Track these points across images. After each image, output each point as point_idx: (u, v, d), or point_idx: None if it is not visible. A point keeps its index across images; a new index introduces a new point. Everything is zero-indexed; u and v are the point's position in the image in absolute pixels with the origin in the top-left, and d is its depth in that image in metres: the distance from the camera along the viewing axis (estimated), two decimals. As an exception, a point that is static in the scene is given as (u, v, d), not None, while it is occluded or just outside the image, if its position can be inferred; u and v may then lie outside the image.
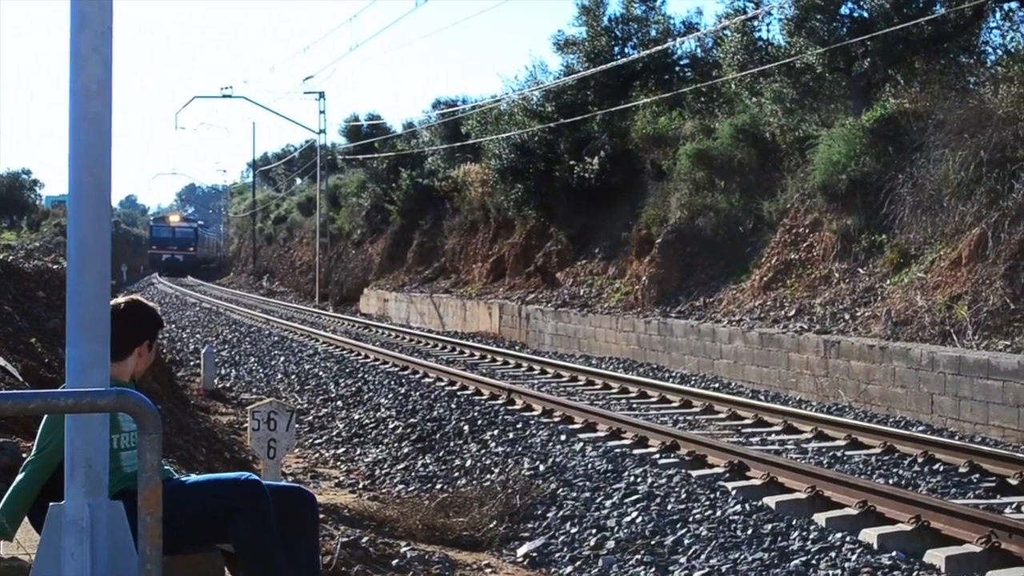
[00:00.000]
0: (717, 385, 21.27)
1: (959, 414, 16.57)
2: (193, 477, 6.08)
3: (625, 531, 9.91)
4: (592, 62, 35.64)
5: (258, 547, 5.55)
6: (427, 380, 20.87)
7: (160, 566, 4.15)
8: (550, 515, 10.66)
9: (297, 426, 12.23)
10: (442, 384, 20.13)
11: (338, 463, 14.27)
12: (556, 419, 15.86)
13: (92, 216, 4.77)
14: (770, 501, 10.61)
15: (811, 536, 9.41)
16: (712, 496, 10.83)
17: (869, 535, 9.36)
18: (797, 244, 24.84)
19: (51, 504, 4.71)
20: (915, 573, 8.48)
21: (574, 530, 10.13)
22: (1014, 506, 10.78)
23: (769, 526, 9.72)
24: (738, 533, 9.62)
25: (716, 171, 28.36)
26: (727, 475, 11.88)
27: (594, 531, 10.01)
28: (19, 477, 5.37)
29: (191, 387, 19.79)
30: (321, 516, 9.00)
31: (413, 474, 13.22)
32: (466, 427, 15.29)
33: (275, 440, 10.00)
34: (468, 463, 13.35)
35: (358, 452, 14.88)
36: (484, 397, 18.37)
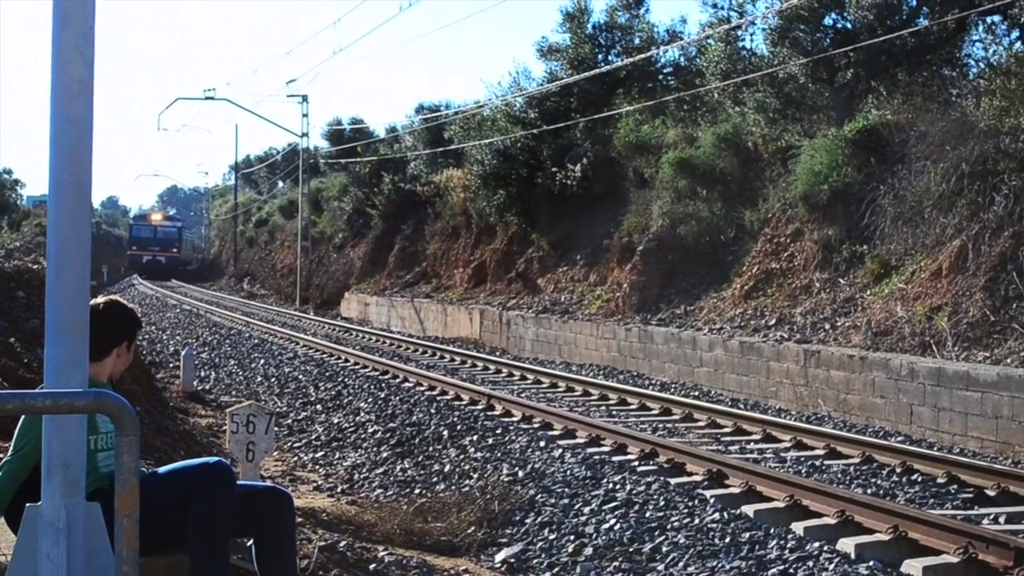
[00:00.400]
0: (697, 393, 21.28)
1: (938, 425, 16.61)
2: (164, 468, 6.05)
3: (603, 538, 9.90)
4: (576, 69, 35.70)
5: (205, 529, 5.51)
6: (407, 385, 20.85)
7: (137, 567, 4.14)
8: (528, 521, 10.65)
9: (276, 429, 12.20)
10: (422, 389, 20.11)
11: (317, 467, 14.24)
12: (535, 425, 15.85)
13: (72, 216, 4.76)
14: (748, 509, 10.60)
15: (789, 545, 9.42)
16: (691, 504, 10.82)
17: (847, 544, 9.37)
18: (778, 253, 24.90)
19: (28, 505, 4.70)
20: (892, 583, 8.50)
21: (552, 536, 10.12)
22: (992, 517, 10.80)
23: (747, 534, 9.72)
24: (716, 541, 9.62)
25: (698, 180, 28.40)
26: (706, 483, 11.88)
27: (572, 537, 9.99)
28: (-5, 478, 5.34)
29: (170, 389, 19.73)
30: (299, 520, 8.99)
31: (392, 479, 13.20)
32: (445, 432, 15.27)
33: (254, 443, 9.98)
34: (447, 468, 13.32)
35: (337, 456, 14.84)
36: (464, 402, 18.36)
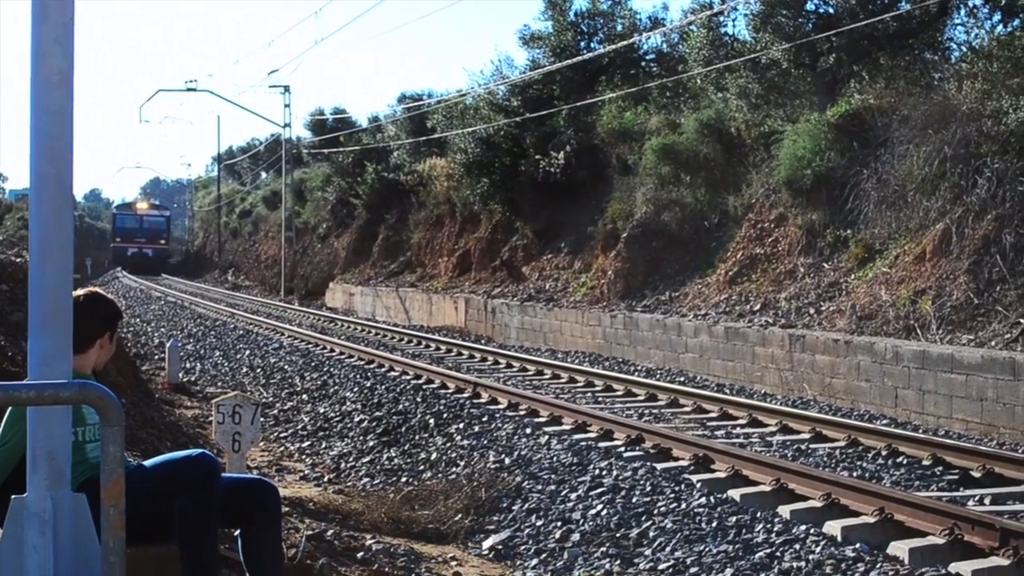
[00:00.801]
0: (683, 379, 21.32)
1: (923, 408, 16.67)
2: (151, 460, 6.05)
3: (590, 524, 9.91)
4: (558, 57, 35.67)
5: (191, 524, 5.52)
6: (393, 374, 20.84)
7: (123, 558, 4.14)
8: (515, 508, 10.66)
9: (262, 419, 12.20)
10: (408, 378, 20.10)
11: (303, 456, 14.24)
12: (522, 412, 15.85)
13: (54, 209, 4.75)
14: (735, 494, 10.63)
15: (776, 528, 9.43)
16: (677, 489, 10.84)
17: (833, 527, 9.39)
18: (762, 239, 24.93)
19: (13, 497, 4.69)
20: (879, 565, 8.51)
21: (539, 523, 10.13)
22: (977, 498, 10.84)
23: (734, 518, 9.74)
24: (703, 525, 9.64)
25: (682, 166, 28.42)
26: (692, 468, 11.90)
27: (559, 524, 10.01)
28: (-20, 471, 5.33)
29: (156, 381, 19.71)
30: (286, 509, 9.00)
31: (378, 467, 13.20)
32: (432, 420, 15.27)
33: (240, 433, 9.98)
34: (434, 456, 13.33)
35: (323, 445, 14.84)
36: (450, 390, 18.36)
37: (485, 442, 13.72)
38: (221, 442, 10.03)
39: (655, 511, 10.15)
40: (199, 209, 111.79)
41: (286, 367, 22.48)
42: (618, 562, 8.94)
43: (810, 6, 25.92)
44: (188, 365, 23.29)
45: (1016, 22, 23.26)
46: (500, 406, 16.56)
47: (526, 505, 10.70)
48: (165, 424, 13.55)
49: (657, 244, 28.15)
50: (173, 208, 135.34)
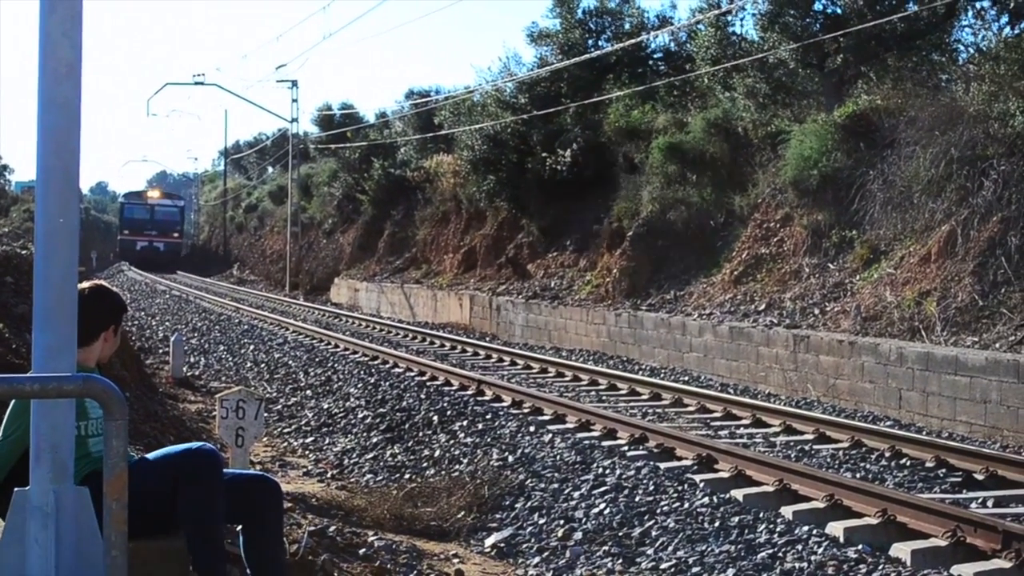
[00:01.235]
0: (686, 378, 21.30)
1: (927, 409, 16.65)
2: (154, 453, 6.06)
3: (593, 522, 9.91)
4: (566, 54, 35.66)
5: (196, 515, 5.53)
6: (397, 370, 20.84)
7: (125, 552, 4.14)
8: (518, 506, 10.66)
9: (266, 415, 12.20)
10: (412, 374, 20.10)
11: (307, 452, 14.24)
12: (525, 410, 15.84)
13: (60, 201, 4.75)
14: (738, 494, 10.63)
15: (778, 529, 9.43)
16: (680, 488, 10.84)
17: (836, 528, 9.39)
18: (768, 239, 24.92)
19: (16, 490, 4.69)
20: (881, 566, 8.51)
21: (542, 521, 10.13)
22: (980, 501, 10.84)
23: (736, 519, 9.74)
24: (705, 525, 9.64)
25: (688, 165, 28.40)
26: (695, 468, 11.90)
27: (562, 522, 10.01)
28: (-16, 463, 5.34)
29: (160, 375, 19.70)
30: (289, 505, 9.01)
31: (381, 464, 13.20)
32: (435, 417, 15.27)
33: (244, 428, 9.99)
34: (437, 453, 13.33)
35: (327, 441, 14.84)
36: (454, 388, 18.35)
37: (488, 440, 13.73)
38: (225, 437, 10.05)
39: (658, 510, 10.15)
40: (205, 203, 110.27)
41: (290, 362, 22.49)
42: (620, 561, 8.94)
43: (818, 6, 25.91)
44: (192, 359, 23.31)
45: (1023, 24, 23.23)
46: (504, 404, 16.55)
47: (529, 503, 10.70)
48: (168, 418, 13.56)
49: (663, 243, 28.13)
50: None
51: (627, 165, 31.59)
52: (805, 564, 8.55)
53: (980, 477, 11.78)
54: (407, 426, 15.07)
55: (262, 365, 22.37)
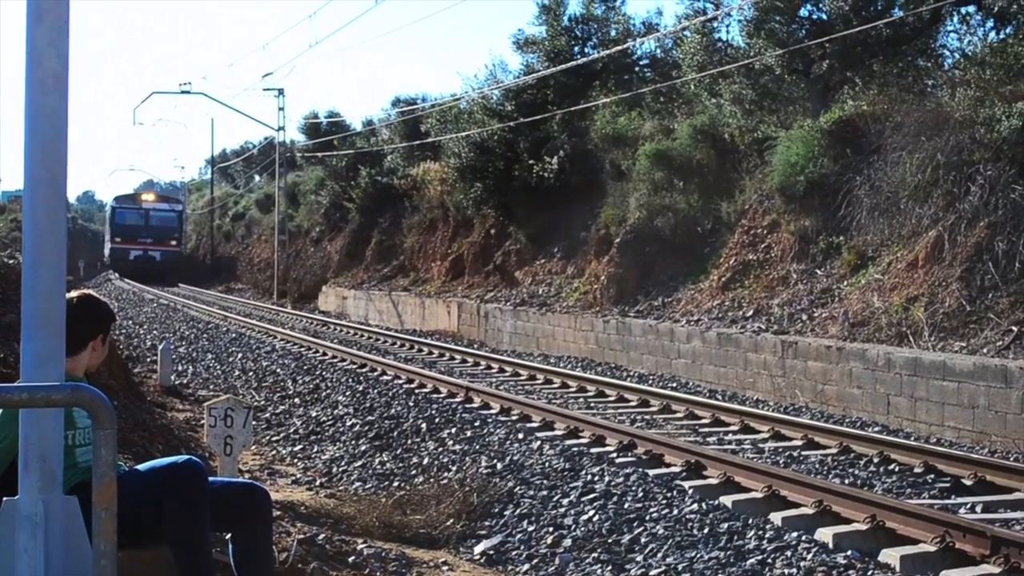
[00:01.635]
0: (675, 385, 21.32)
1: (915, 415, 16.68)
2: (142, 465, 6.06)
3: (582, 529, 9.92)
4: (552, 61, 35.68)
5: (183, 531, 5.53)
6: (385, 378, 20.83)
7: (115, 561, 4.13)
8: (507, 513, 10.66)
9: (254, 423, 12.20)
10: (400, 382, 20.10)
11: (295, 460, 14.23)
12: (514, 417, 15.86)
13: (47, 211, 4.75)
14: (727, 500, 10.64)
15: (767, 535, 9.44)
16: (669, 495, 10.85)
17: (825, 534, 9.40)
18: (755, 245, 24.94)
19: (4, 499, 4.68)
20: (870, 572, 8.53)
21: (531, 528, 10.14)
22: (968, 506, 10.86)
23: (725, 525, 9.75)
24: (695, 532, 9.65)
25: (675, 171, 28.43)
26: (684, 474, 11.91)
27: (551, 529, 10.01)
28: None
29: (148, 383, 19.65)
30: (278, 513, 8.99)
31: (370, 471, 13.19)
32: (424, 425, 15.27)
33: (232, 437, 9.97)
34: (425, 461, 13.33)
35: (315, 449, 14.83)
36: (442, 395, 18.36)
37: (477, 447, 13.73)
38: (213, 445, 10.03)
39: (647, 517, 10.16)
40: (192, 212, 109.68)
41: (278, 370, 22.47)
42: (609, 568, 8.94)
43: (803, 12, 25.97)
44: (180, 368, 23.27)
45: (1009, 29, 23.31)
46: (492, 411, 16.56)
47: (518, 510, 10.71)
48: (157, 427, 13.53)
49: (650, 250, 28.13)
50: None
51: (614, 172, 31.62)
52: (794, 570, 8.57)
53: (968, 482, 11.80)
54: (395, 434, 15.07)
55: (250, 373, 22.34)
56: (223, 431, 9.95)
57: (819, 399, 18.72)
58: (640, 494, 10.90)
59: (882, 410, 17.34)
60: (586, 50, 36.94)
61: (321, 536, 8.98)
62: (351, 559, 8.63)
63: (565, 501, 10.85)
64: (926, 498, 11.31)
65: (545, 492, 11.22)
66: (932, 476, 12.23)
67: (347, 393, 18.75)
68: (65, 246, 4.84)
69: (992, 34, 24.03)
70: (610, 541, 9.57)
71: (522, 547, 9.67)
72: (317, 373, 21.74)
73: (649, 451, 12.94)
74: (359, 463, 13.70)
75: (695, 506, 10.36)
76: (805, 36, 25.21)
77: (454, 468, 12.73)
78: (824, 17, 25.51)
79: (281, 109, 58.29)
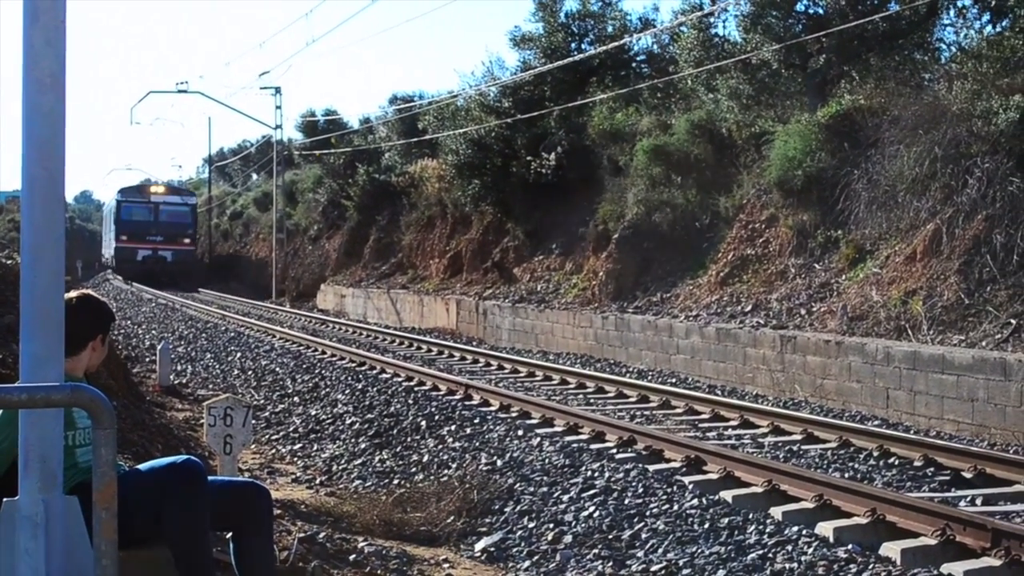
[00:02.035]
0: (674, 380, 21.32)
1: (914, 408, 16.68)
2: (142, 465, 6.05)
3: (582, 525, 9.91)
4: (549, 58, 35.68)
5: (183, 531, 5.52)
6: (384, 376, 20.81)
7: (116, 561, 4.13)
8: (508, 510, 10.65)
9: (254, 422, 12.17)
10: (399, 380, 20.08)
11: (295, 459, 14.22)
12: (513, 414, 15.85)
13: (45, 210, 4.75)
14: (727, 495, 10.63)
15: (768, 530, 9.43)
16: (669, 490, 10.84)
17: (825, 528, 9.39)
18: (753, 240, 24.94)
19: (5, 500, 4.68)
20: (871, 566, 8.52)
21: (532, 525, 10.13)
22: (968, 499, 10.85)
23: (726, 520, 9.74)
24: (695, 527, 9.64)
25: (673, 167, 28.41)
26: (684, 469, 11.90)
27: (551, 525, 10.00)
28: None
29: (147, 383, 19.64)
30: (278, 512, 8.99)
31: (370, 469, 13.18)
32: (423, 422, 15.26)
33: (231, 436, 9.97)
34: (425, 458, 13.32)
35: (315, 448, 14.82)
36: (441, 392, 18.34)
37: (477, 444, 13.72)
38: (212, 445, 10.02)
39: (647, 513, 10.15)
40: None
41: (277, 369, 22.45)
42: (610, 563, 8.93)
43: (800, 7, 25.97)
44: (179, 367, 23.25)
45: (1005, 22, 23.29)
46: (492, 408, 16.55)
47: (518, 507, 10.70)
48: (156, 427, 13.52)
49: (648, 245, 28.13)
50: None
51: (612, 168, 31.61)
52: (795, 564, 8.56)
53: (968, 475, 11.80)
54: (395, 431, 15.06)
55: (249, 372, 22.32)
56: (223, 430, 9.95)
57: (818, 393, 18.73)
58: (640, 490, 10.89)
59: (881, 404, 17.35)
60: (583, 46, 36.95)
61: (322, 534, 8.98)
62: (352, 557, 8.63)
63: (565, 497, 10.84)
64: (926, 491, 11.31)
65: (545, 489, 11.22)
66: (932, 469, 12.23)
67: (346, 391, 18.74)
68: (63, 245, 4.84)
69: (988, 27, 24.02)
70: (611, 537, 9.56)
71: (523, 544, 9.67)
72: (316, 371, 21.72)
73: (649, 447, 12.93)
74: (359, 461, 13.69)
75: (695, 501, 10.35)
76: (802, 31, 25.21)
77: (454, 465, 12.72)
78: (821, 11, 25.52)
79: (278, 107, 58.27)
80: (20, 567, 4.54)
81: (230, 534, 5.96)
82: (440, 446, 13.87)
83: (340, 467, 13.48)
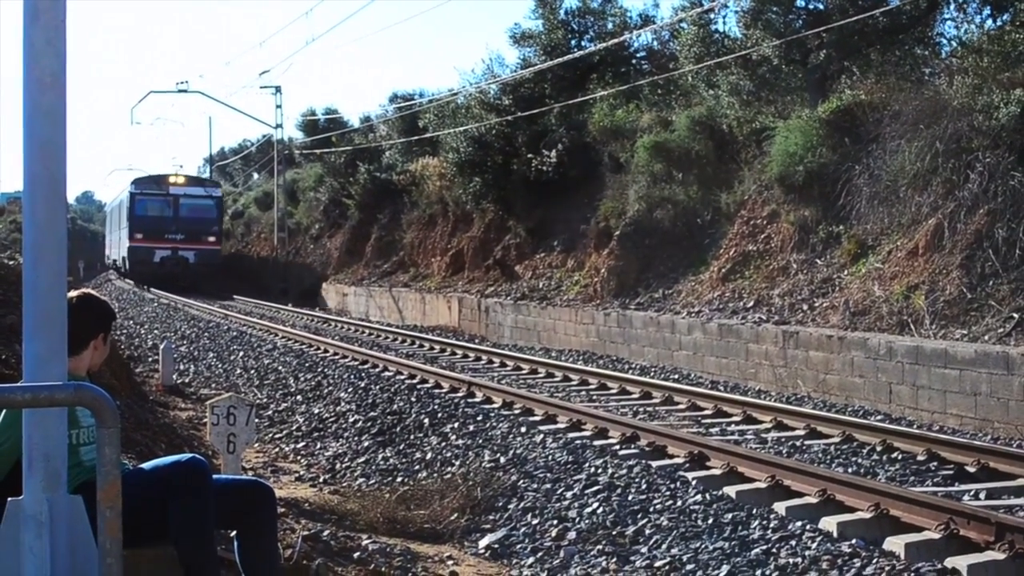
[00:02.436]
0: (677, 376, 21.32)
1: (917, 403, 16.68)
2: (147, 464, 6.05)
3: (586, 522, 9.91)
4: (549, 55, 35.68)
5: (188, 529, 5.52)
6: (387, 374, 20.81)
7: (120, 560, 4.13)
8: (511, 507, 10.65)
9: (257, 421, 12.17)
10: (402, 378, 20.08)
11: (298, 457, 14.22)
12: (516, 411, 15.85)
13: (47, 211, 4.74)
14: (730, 491, 10.63)
15: (771, 525, 9.43)
16: (672, 486, 10.84)
17: (829, 523, 9.40)
18: (755, 235, 24.93)
19: (9, 499, 4.68)
20: (875, 560, 8.51)
21: (535, 521, 10.13)
22: (972, 493, 10.86)
23: (729, 515, 9.74)
24: (699, 523, 9.64)
25: (674, 163, 28.40)
26: (687, 465, 11.91)
27: (555, 522, 10.00)
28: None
29: (150, 383, 19.65)
30: (282, 510, 8.99)
31: (374, 467, 13.18)
32: (426, 420, 15.26)
33: (235, 435, 9.96)
34: (429, 456, 13.32)
35: (318, 446, 14.82)
36: (444, 390, 18.34)
37: (480, 441, 13.72)
38: (216, 444, 10.02)
39: (651, 508, 10.15)
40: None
41: (280, 368, 22.44)
42: (614, 560, 8.94)
43: (800, 3, 25.97)
44: (182, 367, 23.26)
45: (1006, 16, 23.30)
46: (495, 405, 16.55)
47: (522, 504, 10.70)
48: (159, 426, 13.53)
49: (650, 242, 28.13)
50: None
51: (613, 164, 31.60)
52: (799, 559, 8.56)
53: (972, 469, 11.80)
54: (398, 429, 15.06)
55: (252, 371, 22.32)
56: (226, 429, 9.95)
57: (821, 389, 18.72)
58: (644, 486, 10.89)
59: (884, 399, 17.34)
60: (583, 43, 36.96)
61: (326, 532, 8.99)
62: (356, 555, 8.63)
63: (569, 494, 10.84)
64: (930, 486, 11.31)
65: (549, 485, 11.22)
66: (935, 464, 12.24)
67: (349, 390, 18.74)
68: (65, 245, 4.84)
69: (989, 21, 24.03)
70: (614, 533, 9.56)
71: (527, 540, 9.67)
72: (319, 370, 21.71)
73: (652, 443, 12.94)
74: (362, 459, 13.69)
75: (699, 497, 10.35)
76: (802, 26, 25.20)
77: (457, 463, 12.73)
78: (821, 7, 25.52)
79: (279, 107, 58.44)
80: (25, 566, 4.54)
81: (234, 532, 5.97)
82: (443, 443, 13.88)
83: (343, 465, 13.48)
